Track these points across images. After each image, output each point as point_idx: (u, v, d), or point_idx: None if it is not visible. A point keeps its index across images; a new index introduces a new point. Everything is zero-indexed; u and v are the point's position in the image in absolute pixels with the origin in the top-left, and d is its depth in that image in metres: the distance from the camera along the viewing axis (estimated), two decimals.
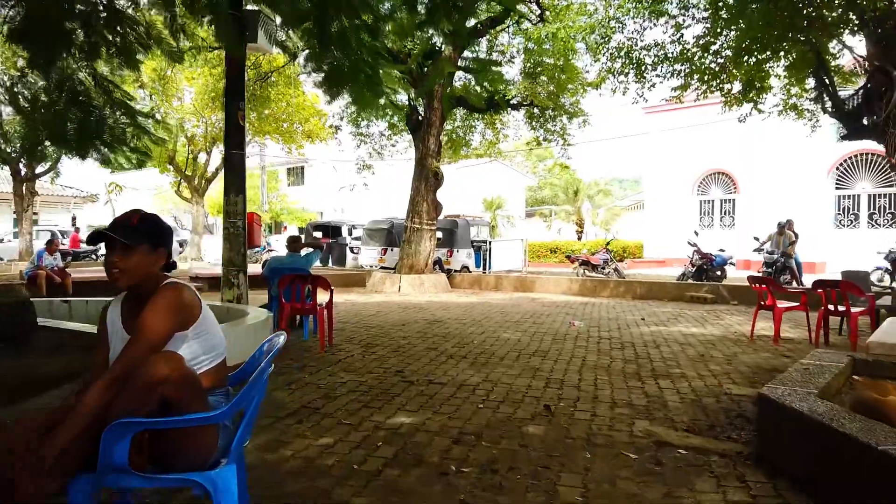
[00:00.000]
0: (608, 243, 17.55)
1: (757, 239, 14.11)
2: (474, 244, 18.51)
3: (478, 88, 16.85)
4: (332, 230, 21.58)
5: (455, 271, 16.78)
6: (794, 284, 13.58)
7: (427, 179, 14.64)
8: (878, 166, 19.46)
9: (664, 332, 8.04)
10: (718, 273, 14.57)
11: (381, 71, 10.23)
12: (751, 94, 12.11)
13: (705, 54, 11.62)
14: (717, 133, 22.22)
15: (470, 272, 17.57)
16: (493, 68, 16.08)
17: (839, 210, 20.37)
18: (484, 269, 17.82)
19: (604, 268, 16.12)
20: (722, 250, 14.73)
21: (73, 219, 28.50)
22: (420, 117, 15.25)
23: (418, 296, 13.25)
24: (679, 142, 23.24)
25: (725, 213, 23.16)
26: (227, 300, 7.66)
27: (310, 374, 5.34)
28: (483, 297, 13.26)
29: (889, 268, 14.00)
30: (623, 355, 6.42)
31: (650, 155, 24.76)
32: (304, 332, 7.07)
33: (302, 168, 37.04)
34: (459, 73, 17.14)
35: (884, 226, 19.32)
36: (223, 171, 7.96)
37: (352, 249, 20.12)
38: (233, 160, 7.77)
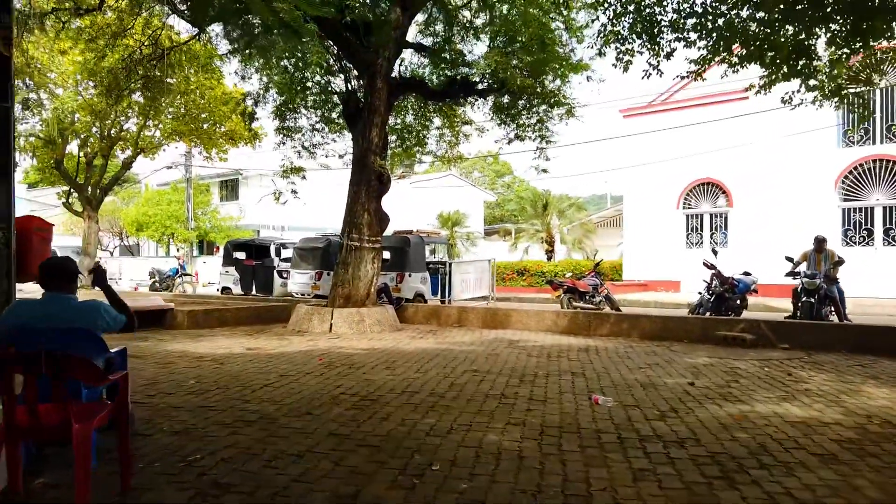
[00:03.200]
0: (597, 265, 14.33)
1: (790, 259, 11.09)
2: (430, 266, 15.09)
3: (434, 79, 13.61)
4: (256, 250, 17.77)
5: (406, 301, 13.29)
6: (836, 319, 10.57)
7: (369, 183, 11.17)
8: (894, 174, 16.90)
9: (757, 421, 4.71)
10: (739, 302, 11.49)
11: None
12: (800, 66, 9.11)
13: (746, 6, 8.56)
14: (705, 138, 19.51)
15: (425, 302, 14.11)
16: (453, 47, 12.91)
17: (849, 225, 17.72)
18: (442, 297, 14.38)
19: (593, 296, 12.89)
20: (747, 273, 11.65)
21: None
22: (360, 104, 11.81)
23: (355, 339, 9.70)
24: (662, 149, 20.40)
25: (716, 229, 20.33)
26: None
27: None
28: (444, 338, 9.80)
29: None
30: None
31: (629, 164, 21.85)
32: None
33: (236, 181, 33.04)
34: (413, 60, 13.89)
35: None
36: None
37: (280, 273, 16.40)
38: None
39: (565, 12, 12.00)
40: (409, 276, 14.09)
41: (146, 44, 13.85)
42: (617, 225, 29.27)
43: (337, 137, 15.31)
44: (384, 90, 11.37)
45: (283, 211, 31.74)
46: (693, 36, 8.96)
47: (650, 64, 9.25)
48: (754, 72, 10.33)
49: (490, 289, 15.19)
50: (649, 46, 9.15)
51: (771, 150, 18.27)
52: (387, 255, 14.23)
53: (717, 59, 9.41)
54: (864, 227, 17.33)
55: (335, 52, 12.48)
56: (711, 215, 20.42)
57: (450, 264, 14.49)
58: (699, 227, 20.65)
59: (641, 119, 21.50)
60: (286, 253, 17.08)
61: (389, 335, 10.17)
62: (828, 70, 9.68)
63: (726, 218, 20.01)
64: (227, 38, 12.91)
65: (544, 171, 13.57)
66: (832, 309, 10.57)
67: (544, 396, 5.52)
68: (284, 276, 16.12)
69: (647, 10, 8.89)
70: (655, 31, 9.03)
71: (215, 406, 5.04)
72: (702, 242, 20.53)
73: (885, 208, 17.14)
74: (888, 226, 17.02)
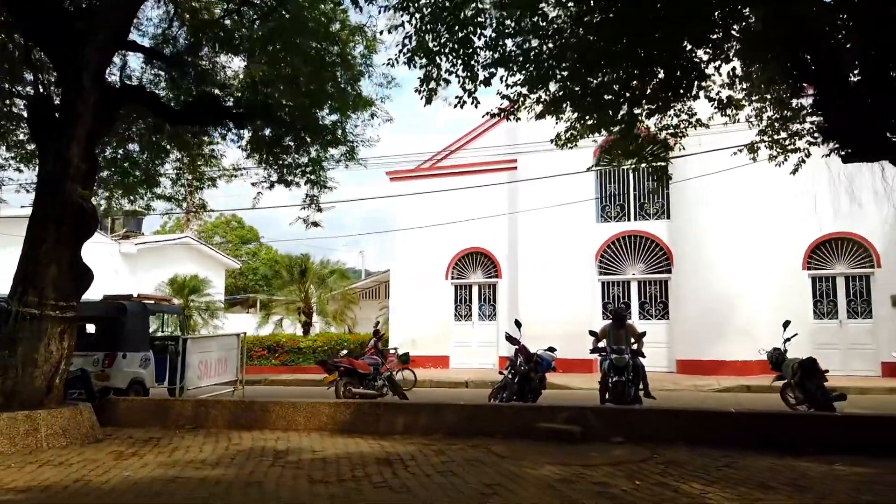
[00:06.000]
0: (378, 338, 11.94)
1: (594, 334, 9.98)
2: (156, 343, 11.36)
3: (171, 96, 10.62)
4: None
5: (116, 393, 9.47)
6: (642, 400, 9.52)
7: (60, 221, 7.54)
8: (646, 250, 17.64)
9: None
10: (539, 381, 9.98)
11: None
12: (619, 116, 8.08)
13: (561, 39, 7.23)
14: (474, 206, 18.81)
15: (146, 393, 10.38)
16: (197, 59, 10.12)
17: (608, 298, 18.00)
18: (172, 385, 10.73)
19: (374, 378, 10.45)
20: (551, 349, 10.25)
21: None
22: (55, 112, 8.21)
23: (15, 466, 5.91)
24: (430, 216, 19.23)
25: (485, 301, 19.48)
26: None
27: None
28: (172, 454, 6.50)
29: None
30: None
31: (397, 229, 20.33)
32: None
33: None
34: (147, 76, 10.60)
35: (656, 316, 17.28)
36: None
37: None
38: None
39: (340, 46, 9.95)
40: (124, 357, 10.26)
41: None
42: (375, 296, 27.57)
43: (24, 167, 11.22)
44: (94, 95, 7.99)
45: None
46: (518, 62, 7.45)
47: (465, 89, 7.50)
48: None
49: (239, 372, 11.89)
50: (463, 67, 7.40)
51: (537, 221, 18.09)
52: (90, 328, 10.31)
53: (533, 94, 8.06)
54: (621, 300, 17.66)
55: (20, 41, 8.79)
56: (480, 286, 19.57)
57: (184, 340, 10.95)
58: (468, 298, 19.64)
59: (409, 183, 20.26)
60: None
61: (80, 453, 6.52)
62: (626, 126, 8.80)
63: (495, 289, 19.29)
64: None
65: (315, 224, 11.10)
66: (639, 386, 9.54)
67: None
68: None
69: (463, 23, 7.13)
70: (471, 49, 7.34)
71: None
72: (471, 315, 19.49)
73: (639, 283, 17.73)
74: (643, 300, 17.58)
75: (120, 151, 11.43)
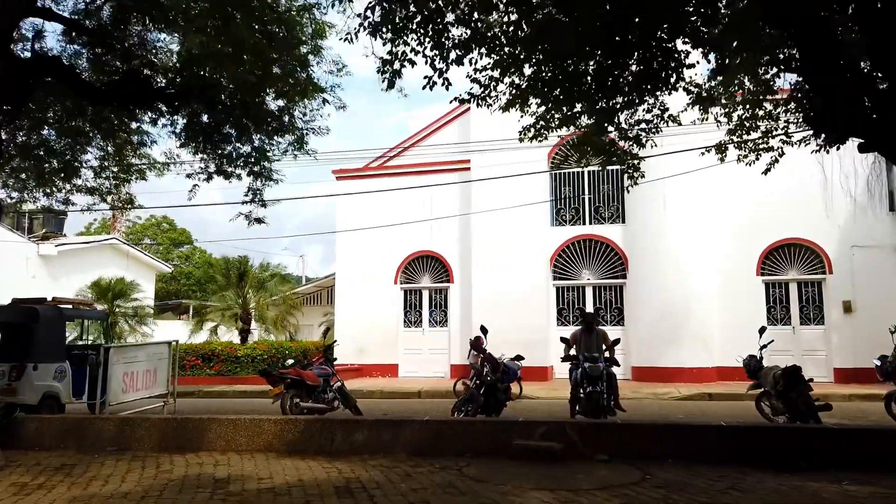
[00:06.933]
0: (329, 347, 10.94)
1: (565, 340, 9.34)
2: (75, 353, 10.07)
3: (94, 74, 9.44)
4: None
5: (24, 410, 8.21)
6: (612, 412, 8.87)
7: None
8: (601, 254, 17.27)
9: None
10: (505, 393, 9.24)
11: None
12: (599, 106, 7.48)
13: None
14: (425, 208, 18.10)
15: (62, 410, 9.12)
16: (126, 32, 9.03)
17: (562, 304, 17.53)
18: (92, 400, 9.47)
19: (324, 391, 9.49)
20: (520, 357, 9.54)
21: None
22: None
23: None
24: (379, 217, 18.36)
25: (436, 307, 18.70)
26: None
27: None
28: (87, 486, 5.45)
29: None
30: None
31: (343, 230, 19.32)
32: None
33: None
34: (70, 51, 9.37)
35: (611, 322, 16.88)
36: None
37: None
38: None
39: (287, 27, 9.02)
40: (35, 368, 8.97)
41: None
42: (318, 302, 26.43)
43: None
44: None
45: None
46: (487, 41, 6.75)
47: (435, 69, 6.72)
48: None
49: (170, 383, 10.68)
50: (432, 45, 6.63)
51: (490, 224, 17.50)
52: None
53: (506, 79, 7.38)
54: (576, 306, 17.20)
55: None
56: (430, 291, 18.78)
57: (107, 349, 9.70)
58: (418, 303, 18.81)
59: (356, 182, 19.34)
60: None
61: None
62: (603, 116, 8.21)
63: (446, 294, 18.53)
64: None
65: (259, 220, 10.09)
66: (611, 396, 8.93)
67: None
68: None
69: None
70: (441, 25, 6.58)
71: None
72: (421, 321, 18.67)
73: (594, 288, 17.33)
74: (598, 305, 17.17)
75: (34, 137, 10.15)
